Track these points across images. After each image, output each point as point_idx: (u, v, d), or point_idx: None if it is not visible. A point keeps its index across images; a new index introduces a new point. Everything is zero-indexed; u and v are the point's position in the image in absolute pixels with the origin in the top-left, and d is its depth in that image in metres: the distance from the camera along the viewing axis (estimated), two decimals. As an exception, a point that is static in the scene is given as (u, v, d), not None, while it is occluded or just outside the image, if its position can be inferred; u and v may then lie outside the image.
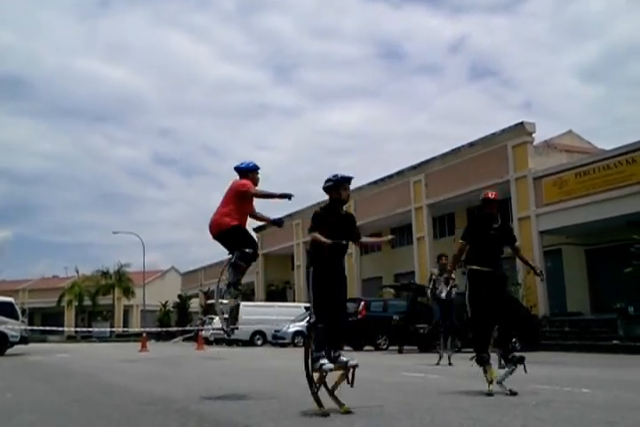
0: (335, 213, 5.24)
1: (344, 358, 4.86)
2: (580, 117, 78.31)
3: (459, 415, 4.40)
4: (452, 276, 11.40)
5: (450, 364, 10.49)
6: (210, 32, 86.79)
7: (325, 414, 4.41)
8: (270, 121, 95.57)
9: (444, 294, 11.27)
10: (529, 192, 21.80)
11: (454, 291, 11.46)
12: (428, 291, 12.12)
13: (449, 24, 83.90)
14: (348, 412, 4.53)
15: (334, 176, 5.25)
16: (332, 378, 4.83)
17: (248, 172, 6.40)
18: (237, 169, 6.44)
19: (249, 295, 39.50)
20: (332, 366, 4.72)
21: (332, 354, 4.87)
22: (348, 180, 5.25)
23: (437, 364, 10.59)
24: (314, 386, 4.72)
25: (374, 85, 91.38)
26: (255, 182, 6.35)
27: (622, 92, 76.94)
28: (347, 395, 5.13)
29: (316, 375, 4.75)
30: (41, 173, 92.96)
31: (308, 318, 5.30)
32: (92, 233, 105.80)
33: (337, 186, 5.22)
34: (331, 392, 4.83)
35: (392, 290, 24.55)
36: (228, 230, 6.29)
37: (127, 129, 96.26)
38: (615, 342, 16.14)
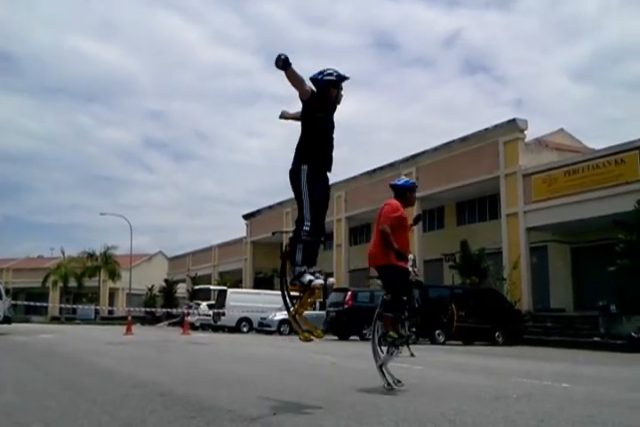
0: (331, 109, 4.59)
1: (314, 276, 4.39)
2: (571, 116, 78.73)
3: (441, 406, 4.47)
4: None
5: (412, 355, 9.66)
6: (203, 15, 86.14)
7: (307, 339, 4.43)
8: (262, 108, 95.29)
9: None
10: (518, 189, 21.92)
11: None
12: None
13: (444, 17, 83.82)
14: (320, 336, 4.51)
15: (335, 71, 4.55)
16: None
17: (406, 190, 5.84)
18: (393, 187, 5.86)
19: (236, 283, 39.55)
20: (322, 281, 4.34)
21: (307, 270, 4.40)
22: (346, 79, 4.58)
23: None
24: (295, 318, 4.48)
25: (367, 76, 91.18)
26: (411, 202, 5.88)
27: (611, 93, 77.36)
28: (332, 383, 5.19)
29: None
30: (27, 152, 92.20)
31: (296, 226, 4.45)
32: (78, 214, 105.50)
33: (338, 82, 4.54)
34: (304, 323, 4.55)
35: (378, 281, 24.65)
36: (377, 267, 5.72)
37: (117, 110, 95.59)
38: (596, 338, 16.37)
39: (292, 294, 4.53)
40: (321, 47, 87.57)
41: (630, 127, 71.47)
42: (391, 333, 5.40)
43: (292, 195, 4.66)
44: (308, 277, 4.32)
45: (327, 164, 4.55)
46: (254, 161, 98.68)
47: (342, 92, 4.60)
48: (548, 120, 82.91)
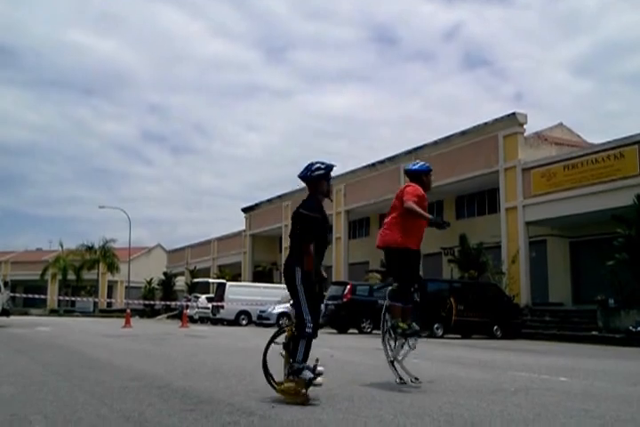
0: (323, 213, 4.58)
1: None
2: (570, 111, 78.67)
3: (439, 399, 4.48)
4: None
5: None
6: (203, 8, 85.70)
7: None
8: (261, 102, 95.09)
9: None
10: (517, 183, 21.92)
11: None
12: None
13: (444, 11, 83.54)
14: None
15: (322, 163, 4.55)
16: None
17: (421, 174, 5.59)
18: (408, 172, 5.64)
19: (235, 276, 39.57)
20: (321, 380, 4.35)
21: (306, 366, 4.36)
22: (334, 166, 4.62)
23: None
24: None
25: (367, 70, 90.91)
26: (428, 186, 5.59)
27: (611, 88, 77.25)
28: (330, 376, 5.18)
29: (290, 385, 4.30)
30: (26, 144, 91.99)
31: (296, 324, 4.47)
32: (77, 207, 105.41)
33: (328, 174, 4.56)
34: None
35: (378, 275, 24.74)
36: (385, 248, 5.41)
37: (116, 103, 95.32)
38: (594, 332, 16.41)
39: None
40: (321, 41, 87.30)
41: (630, 121, 71.51)
42: (400, 323, 5.19)
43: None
44: (309, 374, 4.27)
45: (320, 259, 4.56)
46: (253, 155, 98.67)
47: (332, 183, 4.64)
48: (548, 114, 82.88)
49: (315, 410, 3.91)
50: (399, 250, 5.28)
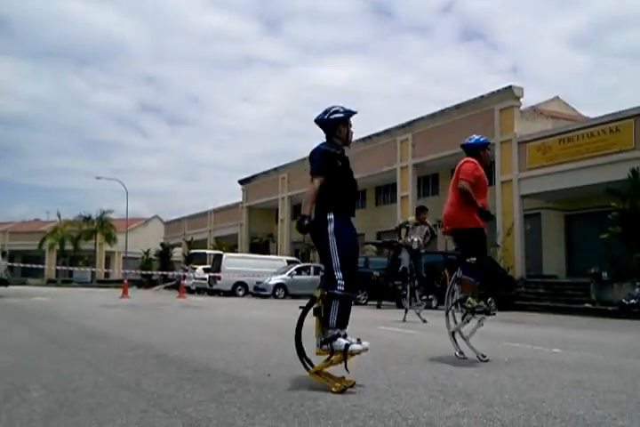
0: (345, 158, 4.16)
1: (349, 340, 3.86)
2: (566, 84, 78.01)
3: (433, 369, 4.53)
4: (429, 229, 11.34)
5: (424, 321, 10.33)
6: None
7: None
8: (257, 73, 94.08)
9: (415, 245, 11.08)
10: (513, 156, 21.87)
11: (423, 240, 11.11)
12: (401, 238, 11.52)
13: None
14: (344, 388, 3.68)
15: (341, 107, 4.16)
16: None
17: (479, 148, 5.52)
18: (464, 146, 5.57)
19: (232, 248, 39.68)
20: (361, 346, 3.82)
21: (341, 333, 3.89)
22: (354, 113, 4.21)
23: (404, 320, 10.38)
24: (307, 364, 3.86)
25: (364, 42, 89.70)
26: (486, 160, 5.52)
27: (608, 62, 76.45)
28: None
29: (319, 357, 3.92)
30: (21, 115, 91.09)
31: (325, 283, 3.95)
32: (73, 178, 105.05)
33: (347, 119, 4.15)
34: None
35: (374, 247, 24.83)
36: (456, 231, 5.34)
37: (112, 74, 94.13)
38: (587, 305, 16.57)
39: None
40: (318, 11, 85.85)
41: (626, 95, 70.98)
42: (470, 299, 5.13)
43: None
44: (344, 341, 3.80)
45: (352, 209, 4.23)
46: (249, 126, 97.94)
47: (352, 129, 4.22)
48: (544, 88, 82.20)
49: (310, 378, 3.95)
50: (469, 231, 5.24)
